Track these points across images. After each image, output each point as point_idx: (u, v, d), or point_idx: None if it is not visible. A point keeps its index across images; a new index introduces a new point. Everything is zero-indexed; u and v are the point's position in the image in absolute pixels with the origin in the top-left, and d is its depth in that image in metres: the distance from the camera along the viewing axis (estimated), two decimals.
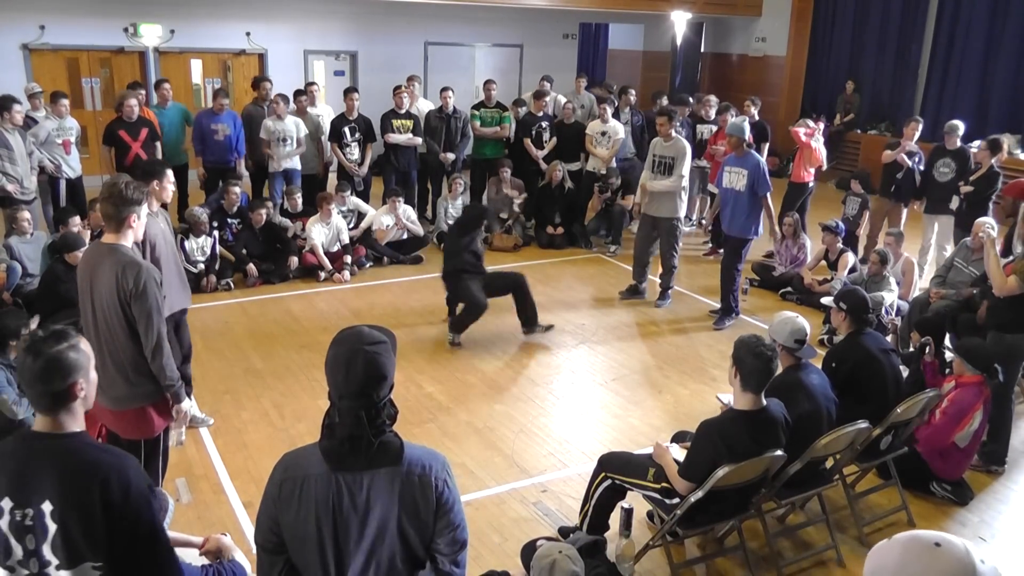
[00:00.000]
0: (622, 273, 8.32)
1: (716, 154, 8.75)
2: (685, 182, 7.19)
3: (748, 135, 6.74)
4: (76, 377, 2.16)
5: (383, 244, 8.54)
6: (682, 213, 7.40)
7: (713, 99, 9.97)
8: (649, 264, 7.68)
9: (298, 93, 9.16)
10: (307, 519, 2.03)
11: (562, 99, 10.35)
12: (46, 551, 2.11)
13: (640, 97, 10.70)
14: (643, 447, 4.64)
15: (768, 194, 6.66)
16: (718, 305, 7.24)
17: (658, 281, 7.56)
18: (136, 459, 2.26)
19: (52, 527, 2.09)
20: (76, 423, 2.21)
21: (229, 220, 8.08)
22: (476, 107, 9.80)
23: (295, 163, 8.89)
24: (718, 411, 4.21)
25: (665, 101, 9.80)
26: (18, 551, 2.12)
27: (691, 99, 10.19)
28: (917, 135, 8.15)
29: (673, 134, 7.19)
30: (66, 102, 8.06)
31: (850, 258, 7.58)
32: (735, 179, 6.70)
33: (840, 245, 7.66)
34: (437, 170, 9.57)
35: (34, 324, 5.47)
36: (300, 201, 8.45)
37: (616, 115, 9.62)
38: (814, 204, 9.83)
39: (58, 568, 2.12)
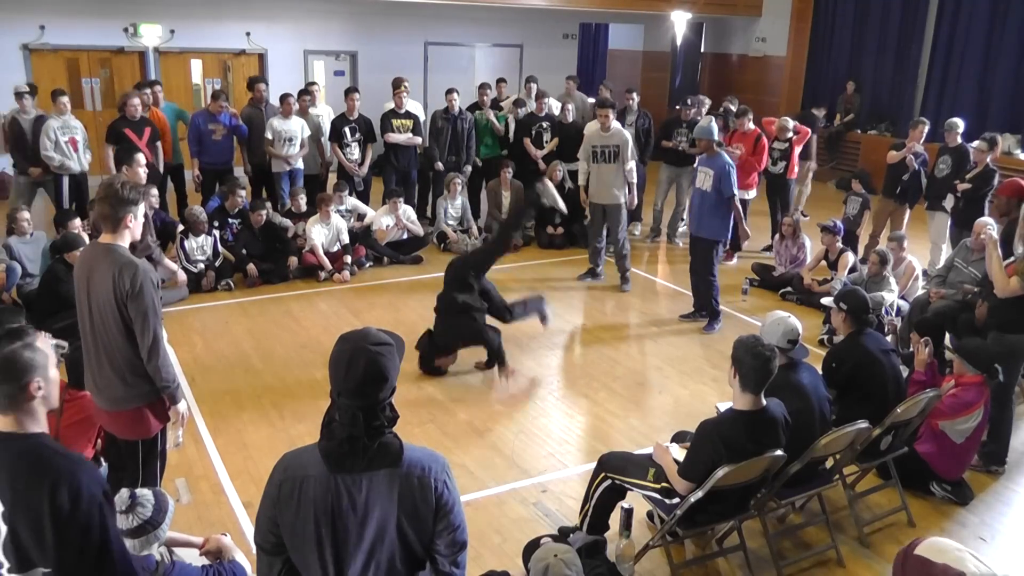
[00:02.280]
0: None
1: (731, 156, 8.68)
2: (631, 165, 7.70)
3: (717, 135, 6.75)
4: (31, 376, 2.12)
5: (383, 244, 8.54)
6: (624, 199, 7.83)
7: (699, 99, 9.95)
8: (603, 249, 8.17)
9: (302, 93, 9.13)
10: (306, 520, 2.03)
11: (555, 103, 10.28)
12: None
13: (642, 97, 10.63)
14: (643, 447, 4.64)
15: (734, 196, 6.62)
16: (721, 306, 7.22)
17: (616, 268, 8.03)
18: (94, 465, 2.20)
19: (3, 528, 2.05)
20: (36, 424, 2.17)
21: (230, 220, 8.07)
22: (471, 108, 9.78)
23: (299, 163, 8.90)
24: None
25: (636, 99, 9.86)
26: None
27: (689, 102, 10.16)
28: (923, 137, 8.16)
29: (614, 125, 7.68)
30: (65, 99, 7.97)
31: (850, 258, 7.58)
32: (703, 179, 6.72)
33: (840, 245, 7.66)
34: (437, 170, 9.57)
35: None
36: (304, 201, 8.45)
37: (622, 116, 9.63)
38: (815, 204, 9.89)
39: (10, 571, 2.09)
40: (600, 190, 7.70)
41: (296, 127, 8.68)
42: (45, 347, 2.19)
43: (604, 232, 7.99)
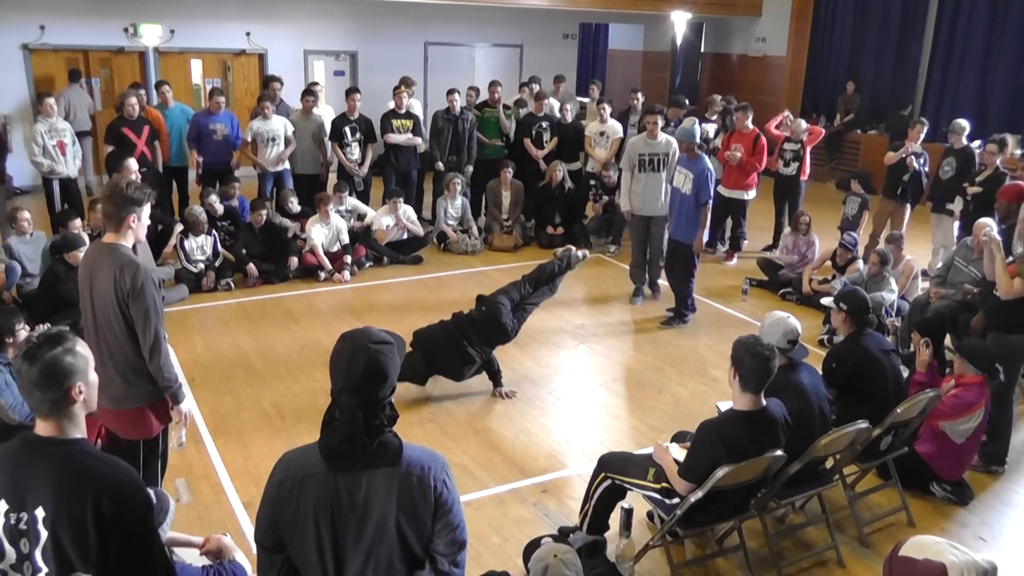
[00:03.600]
0: (622, 273, 8.30)
1: (732, 159, 8.58)
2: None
3: (699, 138, 6.68)
4: (73, 381, 2.13)
5: (383, 244, 8.55)
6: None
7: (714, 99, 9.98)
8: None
9: (305, 93, 9.12)
10: (306, 519, 2.03)
11: (555, 102, 10.30)
12: (38, 558, 2.08)
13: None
14: (643, 447, 4.64)
15: (708, 203, 6.54)
16: (721, 306, 7.23)
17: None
18: (135, 470, 2.21)
19: (44, 534, 2.06)
20: (76, 429, 2.17)
21: (219, 223, 8.04)
22: (479, 107, 9.79)
23: (285, 163, 8.85)
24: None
25: (641, 99, 9.78)
26: (11, 555, 2.09)
27: (687, 101, 10.17)
28: (922, 137, 8.15)
29: (662, 133, 7.28)
30: (50, 101, 7.88)
31: (859, 265, 7.47)
32: (683, 181, 6.66)
33: (850, 253, 7.57)
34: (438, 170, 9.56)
35: (43, 327, 5.44)
36: (296, 203, 8.44)
37: (625, 116, 9.65)
38: (815, 204, 9.89)
39: None
40: (648, 201, 7.23)
41: (278, 126, 8.63)
42: (85, 351, 2.20)
43: (647, 247, 7.46)
